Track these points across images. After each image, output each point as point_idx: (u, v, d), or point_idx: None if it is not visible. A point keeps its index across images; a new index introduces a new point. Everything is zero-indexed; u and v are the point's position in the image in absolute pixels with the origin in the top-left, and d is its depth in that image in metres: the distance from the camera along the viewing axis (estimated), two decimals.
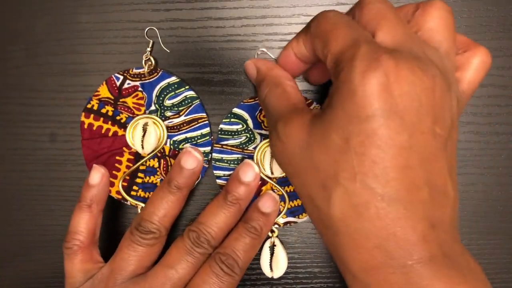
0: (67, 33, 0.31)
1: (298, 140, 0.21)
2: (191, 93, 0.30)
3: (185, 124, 0.30)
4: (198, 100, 0.30)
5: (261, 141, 0.30)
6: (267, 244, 0.30)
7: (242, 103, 0.30)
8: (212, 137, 0.31)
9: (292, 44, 0.25)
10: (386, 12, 0.21)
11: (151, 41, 0.31)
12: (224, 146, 0.30)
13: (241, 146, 0.30)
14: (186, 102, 0.30)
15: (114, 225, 0.32)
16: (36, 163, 0.32)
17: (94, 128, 0.30)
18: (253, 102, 0.30)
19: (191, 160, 0.27)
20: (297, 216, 0.30)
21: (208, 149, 0.30)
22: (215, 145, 0.30)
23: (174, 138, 0.30)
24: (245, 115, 0.30)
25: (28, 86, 0.31)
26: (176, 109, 0.30)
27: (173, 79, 0.30)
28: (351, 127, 0.18)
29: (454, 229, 0.19)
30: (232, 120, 0.30)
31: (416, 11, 0.22)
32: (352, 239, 0.19)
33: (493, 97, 0.31)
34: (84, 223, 0.27)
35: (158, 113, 0.30)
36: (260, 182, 0.30)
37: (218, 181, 0.30)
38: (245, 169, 0.28)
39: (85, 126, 0.30)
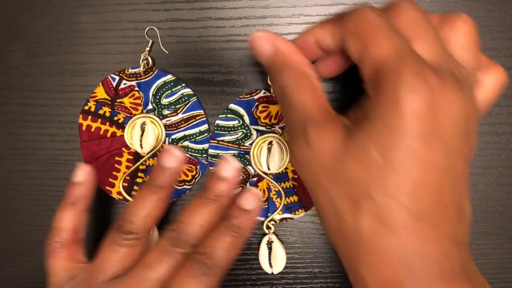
0: (67, 33, 0.31)
1: (330, 150, 0.20)
2: (187, 90, 0.30)
3: (183, 122, 0.30)
4: (195, 97, 0.30)
5: (257, 137, 0.30)
6: (264, 241, 0.30)
7: (238, 98, 0.30)
8: (210, 134, 0.31)
9: (315, 31, 0.24)
10: (422, 21, 0.20)
11: (151, 41, 0.31)
12: (220, 142, 0.30)
13: (237, 142, 0.30)
14: (183, 99, 0.30)
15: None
16: (36, 163, 0.32)
17: (92, 129, 0.30)
18: (249, 98, 0.30)
19: (171, 159, 0.27)
20: (293, 213, 0.30)
21: (206, 145, 0.30)
22: (211, 141, 0.30)
23: (173, 136, 0.30)
24: (241, 111, 0.30)
25: (28, 86, 0.31)
26: (173, 107, 0.30)
27: (169, 77, 0.30)
28: (392, 143, 0.18)
29: (469, 246, 0.20)
30: (228, 116, 0.30)
31: (441, 21, 0.22)
32: (376, 253, 0.19)
33: None
34: (68, 221, 0.27)
35: (156, 112, 0.30)
36: (256, 178, 0.30)
37: None
38: (223, 165, 0.27)
39: (83, 128, 0.30)
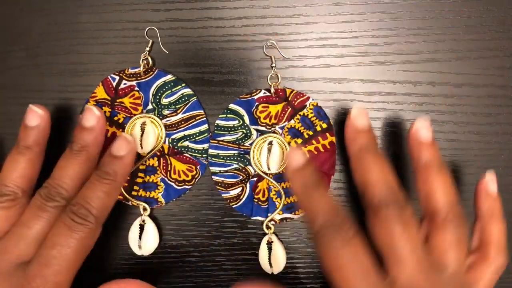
0: (67, 33, 0.31)
1: None
2: (187, 90, 0.30)
3: (183, 122, 0.30)
4: (195, 97, 0.30)
5: (257, 136, 0.30)
6: (264, 241, 0.30)
7: (238, 98, 0.30)
8: (210, 134, 0.31)
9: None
10: (403, 239, 0.23)
11: (151, 41, 0.31)
12: (220, 142, 0.30)
13: (237, 142, 0.30)
14: (183, 99, 0.30)
15: (117, 226, 0.32)
16: None
17: None
18: (249, 98, 0.30)
19: (32, 117, 0.27)
20: (293, 213, 0.30)
21: (207, 145, 0.30)
22: (211, 141, 0.30)
23: (173, 136, 0.30)
24: (241, 111, 0.30)
25: (28, 86, 0.31)
26: (173, 107, 0.30)
27: (169, 77, 0.30)
28: None
29: None
30: (228, 116, 0.30)
31: (424, 220, 0.25)
32: None
33: (493, 97, 0.31)
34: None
35: (156, 112, 0.30)
36: (256, 178, 0.30)
37: (214, 177, 0.30)
38: (86, 115, 0.27)
39: None
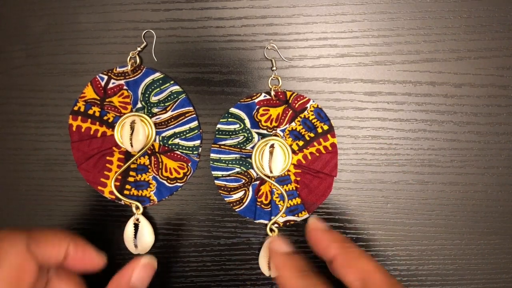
0: (67, 33, 0.31)
1: None
2: (176, 88, 0.30)
3: (172, 120, 0.30)
4: (184, 95, 0.30)
5: (259, 140, 0.30)
6: (266, 243, 0.30)
7: (238, 102, 0.30)
8: (201, 130, 0.31)
9: None
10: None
11: (145, 42, 0.31)
12: (222, 146, 0.30)
13: (239, 146, 0.30)
14: (172, 97, 0.30)
15: (111, 225, 0.32)
16: (36, 163, 0.32)
17: (83, 130, 0.30)
18: (250, 102, 0.30)
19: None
20: (296, 215, 0.30)
21: (197, 142, 0.30)
22: (212, 145, 0.30)
23: (163, 134, 0.30)
24: (242, 115, 0.30)
25: (28, 86, 0.31)
26: (162, 105, 0.30)
27: (157, 75, 0.30)
28: None
29: None
30: (229, 119, 0.30)
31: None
32: None
33: (493, 97, 0.31)
34: None
35: (145, 110, 0.30)
36: (258, 181, 0.30)
37: (217, 181, 0.30)
38: None
39: (74, 129, 0.30)
